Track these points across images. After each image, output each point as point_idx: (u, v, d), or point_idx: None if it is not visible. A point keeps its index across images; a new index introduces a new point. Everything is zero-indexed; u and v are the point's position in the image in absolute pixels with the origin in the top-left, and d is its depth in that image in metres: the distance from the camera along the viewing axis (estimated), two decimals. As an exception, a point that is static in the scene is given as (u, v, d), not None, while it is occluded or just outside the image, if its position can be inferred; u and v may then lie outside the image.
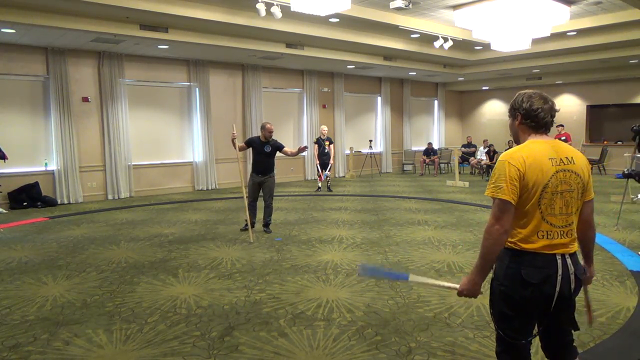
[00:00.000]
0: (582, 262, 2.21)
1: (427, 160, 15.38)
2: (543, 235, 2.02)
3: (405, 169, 16.37)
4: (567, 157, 2.07)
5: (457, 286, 2.18)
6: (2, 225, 7.64)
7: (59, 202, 9.73)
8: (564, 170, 2.03)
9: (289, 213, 8.44)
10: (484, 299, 4.13)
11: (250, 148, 7.01)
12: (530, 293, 2.00)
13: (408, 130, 16.79)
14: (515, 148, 2.09)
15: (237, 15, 8.34)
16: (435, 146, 16.98)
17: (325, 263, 5.32)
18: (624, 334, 3.44)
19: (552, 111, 2.12)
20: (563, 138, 12.34)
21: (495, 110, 17.91)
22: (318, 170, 11.36)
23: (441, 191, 11.19)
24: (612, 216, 7.77)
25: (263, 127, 6.85)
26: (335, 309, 3.97)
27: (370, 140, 14.84)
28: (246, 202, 6.83)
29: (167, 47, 9.70)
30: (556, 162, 2.03)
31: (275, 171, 7.05)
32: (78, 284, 4.71)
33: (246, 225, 6.80)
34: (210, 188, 11.83)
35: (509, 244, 2.05)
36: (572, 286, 2.05)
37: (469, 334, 3.47)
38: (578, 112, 15.60)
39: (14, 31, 8.14)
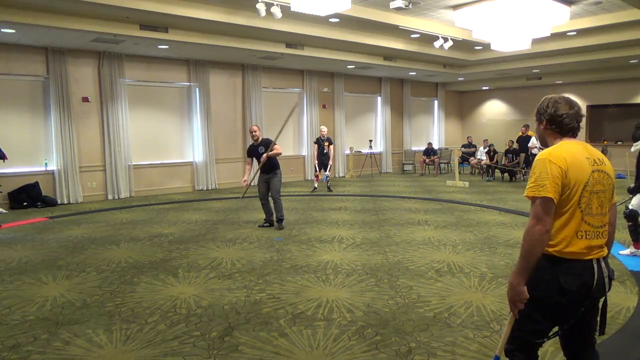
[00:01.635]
0: None
1: (427, 160, 15.38)
2: (582, 236, 2.01)
3: (405, 169, 16.36)
4: (599, 159, 2.08)
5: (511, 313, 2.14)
6: (2, 225, 7.64)
7: (59, 202, 9.73)
8: (599, 171, 2.05)
9: (288, 213, 8.43)
10: (483, 299, 4.15)
11: (253, 157, 7.27)
12: (567, 300, 2.00)
13: (408, 130, 16.79)
14: (553, 147, 2.08)
15: (237, 15, 8.34)
16: (435, 146, 16.97)
17: (325, 263, 5.32)
18: (624, 334, 3.44)
19: (578, 117, 2.11)
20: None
21: (495, 110, 17.91)
22: (316, 170, 11.35)
23: (441, 191, 11.19)
24: (612, 216, 7.76)
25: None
26: (335, 309, 3.97)
27: (370, 140, 14.85)
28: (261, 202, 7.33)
29: (167, 47, 9.70)
30: (591, 162, 2.04)
31: (280, 169, 7.28)
32: (78, 284, 4.71)
33: (264, 222, 7.31)
34: (210, 188, 11.83)
35: (547, 249, 2.02)
36: (607, 289, 2.07)
37: (469, 334, 3.47)
38: (578, 112, 15.57)
39: (14, 31, 8.14)
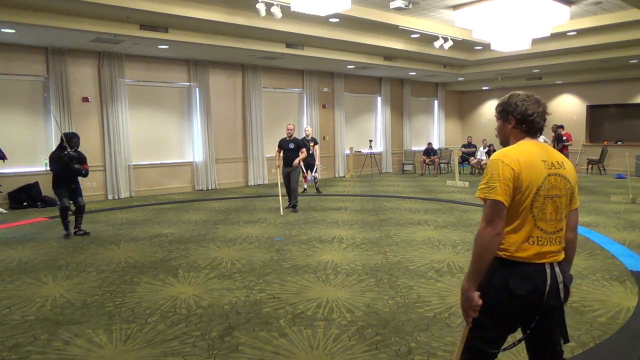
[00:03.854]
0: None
1: (427, 160, 15.38)
2: (534, 242, 1.93)
3: (405, 169, 16.36)
4: (557, 162, 1.99)
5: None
6: (2, 225, 7.65)
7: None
8: (555, 175, 1.96)
9: (288, 213, 8.44)
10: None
11: (282, 149, 8.77)
12: (516, 304, 1.91)
13: (408, 130, 16.79)
14: (509, 147, 2.01)
15: (237, 15, 8.34)
16: (435, 146, 16.98)
17: (325, 263, 5.32)
18: (624, 334, 3.44)
19: (545, 115, 2.05)
20: (564, 138, 12.33)
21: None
22: (303, 171, 11.18)
23: (441, 191, 11.19)
24: (612, 216, 7.77)
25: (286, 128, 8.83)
26: (335, 309, 3.97)
27: (370, 140, 14.84)
28: (283, 187, 8.84)
29: (167, 47, 9.70)
30: (548, 165, 1.96)
31: (300, 165, 8.88)
32: (78, 284, 4.71)
33: (289, 204, 8.76)
34: (210, 188, 11.83)
35: (499, 252, 1.94)
36: (561, 295, 1.97)
37: (469, 334, 3.47)
38: (578, 112, 15.60)
39: (14, 31, 8.14)
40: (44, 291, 4.51)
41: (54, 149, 9.72)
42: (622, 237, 6.38)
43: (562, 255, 2.01)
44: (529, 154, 1.95)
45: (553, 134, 12.44)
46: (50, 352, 3.26)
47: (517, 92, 2.10)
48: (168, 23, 8.51)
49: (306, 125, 12.03)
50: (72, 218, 6.93)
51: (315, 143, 11.17)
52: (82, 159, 6.77)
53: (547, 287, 1.92)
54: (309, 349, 3.28)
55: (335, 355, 3.19)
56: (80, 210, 6.91)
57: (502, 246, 1.94)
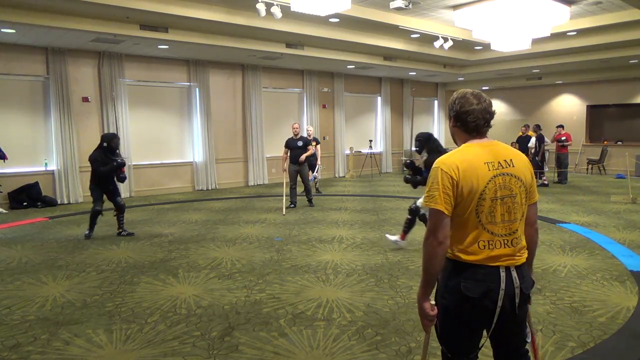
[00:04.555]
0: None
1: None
2: (484, 246, 1.88)
3: (405, 169, 16.34)
4: (505, 160, 1.92)
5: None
6: (2, 225, 7.65)
7: (59, 202, 9.73)
8: (503, 175, 1.89)
9: (289, 213, 8.44)
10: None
11: (289, 148, 8.92)
12: (469, 307, 1.88)
13: (408, 130, 16.79)
14: (450, 153, 1.94)
15: (237, 15, 8.34)
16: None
17: (325, 263, 5.32)
18: (624, 334, 3.44)
19: (487, 114, 1.95)
20: (563, 138, 12.33)
21: (495, 111, 17.89)
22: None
23: (441, 191, 11.16)
24: (612, 216, 7.77)
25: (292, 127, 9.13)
26: (335, 309, 3.97)
27: (370, 140, 14.84)
28: (288, 187, 8.96)
29: (167, 47, 9.70)
30: (494, 166, 1.89)
31: (307, 162, 9.09)
32: (78, 284, 4.71)
33: (290, 204, 8.95)
34: (210, 188, 11.83)
35: (450, 256, 1.92)
36: (517, 301, 1.90)
37: (469, 334, 3.47)
38: (578, 112, 15.59)
39: (14, 31, 8.14)
40: (44, 291, 4.51)
41: (53, 149, 9.85)
42: (622, 237, 6.38)
43: (521, 259, 1.94)
44: (470, 159, 1.89)
45: (554, 135, 12.45)
46: (50, 352, 3.26)
47: (465, 90, 2.01)
48: (168, 23, 8.51)
49: (308, 125, 12.02)
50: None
51: (317, 142, 11.17)
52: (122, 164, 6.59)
53: (501, 292, 1.87)
54: (309, 349, 3.28)
55: (335, 355, 3.19)
56: (121, 211, 6.78)
57: (452, 250, 1.91)
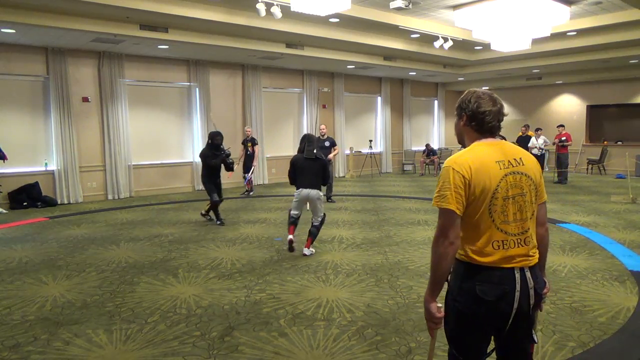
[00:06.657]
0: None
1: (427, 160, 15.38)
2: (499, 246, 1.85)
3: (405, 169, 16.37)
4: (515, 159, 1.92)
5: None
6: (2, 225, 7.65)
7: (59, 202, 9.73)
8: (514, 173, 1.89)
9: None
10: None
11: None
12: (485, 311, 1.85)
13: (408, 130, 16.79)
14: (460, 152, 1.94)
15: (237, 15, 8.34)
16: (436, 146, 16.98)
17: (325, 263, 5.32)
18: (624, 334, 3.44)
19: (500, 115, 1.96)
20: (563, 138, 12.33)
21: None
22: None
23: (441, 191, 11.17)
24: (612, 216, 7.77)
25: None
26: (335, 309, 3.97)
27: (370, 140, 14.84)
28: None
29: (167, 47, 9.70)
30: (504, 164, 1.89)
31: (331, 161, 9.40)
32: (78, 284, 4.71)
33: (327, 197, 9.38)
34: (210, 188, 11.80)
35: (464, 258, 1.89)
36: (532, 302, 1.89)
37: (469, 334, 3.47)
38: (578, 112, 15.60)
39: (14, 31, 8.14)
40: (44, 291, 4.51)
41: (53, 149, 9.84)
42: (622, 237, 6.38)
43: (533, 260, 1.93)
44: (481, 158, 1.88)
45: (557, 135, 12.45)
46: (50, 352, 3.26)
47: (476, 89, 2.02)
48: (168, 23, 8.51)
49: (247, 126, 11.55)
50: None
51: (255, 144, 10.73)
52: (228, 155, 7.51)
53: (517, 293, 1.85)
54: (309, 349, 3.28)
55: (335, 355, 3.19)
56: (214, 205, 7.54)
57: (465, 252, 1.89)
